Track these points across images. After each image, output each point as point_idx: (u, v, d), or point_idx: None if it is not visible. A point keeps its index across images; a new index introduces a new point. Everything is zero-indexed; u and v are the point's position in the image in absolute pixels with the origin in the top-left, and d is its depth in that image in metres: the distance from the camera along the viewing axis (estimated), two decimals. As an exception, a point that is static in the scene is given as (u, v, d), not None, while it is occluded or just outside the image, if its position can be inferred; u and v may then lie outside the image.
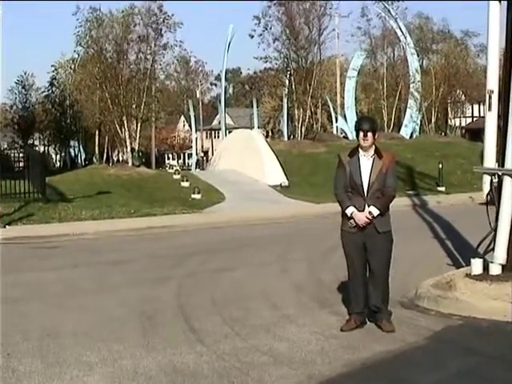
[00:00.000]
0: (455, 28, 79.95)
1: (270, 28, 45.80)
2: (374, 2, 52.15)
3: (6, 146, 75.08)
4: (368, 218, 7.85)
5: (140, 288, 11.28)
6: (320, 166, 34.98)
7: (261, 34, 45.76)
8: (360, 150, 7.99)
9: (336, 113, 56.75)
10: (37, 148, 67.65)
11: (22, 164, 30.95)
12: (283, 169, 34.80)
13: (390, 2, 51.64)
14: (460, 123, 67.04)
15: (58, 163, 77.09)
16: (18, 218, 22.27)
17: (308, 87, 45.74)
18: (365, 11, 52.39)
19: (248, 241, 17.95)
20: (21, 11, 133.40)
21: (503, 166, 9.92)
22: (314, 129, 49.97)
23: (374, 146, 7.98)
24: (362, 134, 7.93)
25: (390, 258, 8.08)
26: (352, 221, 7.91)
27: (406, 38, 50.96)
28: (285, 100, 52.79)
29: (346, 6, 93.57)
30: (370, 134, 7.90)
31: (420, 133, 53.44)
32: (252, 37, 46.17)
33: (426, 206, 25.35)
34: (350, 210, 7.92)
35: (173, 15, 46.55)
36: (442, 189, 32.28)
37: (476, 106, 71.69)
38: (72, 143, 70.55)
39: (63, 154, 74.94)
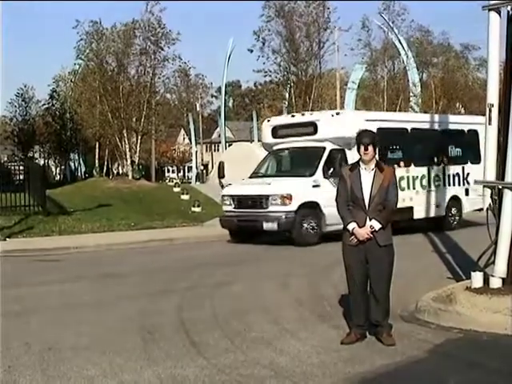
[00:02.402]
0: (455, 42, 79.94)
1: (270, 42, 45.93)
2: (376, 14, 52.35)
3: (6, 158, 75.11)
4: (368, 233, 7.86)
5: (141, 301, 11.27)
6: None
7: (261, 48, 45.88)
8: (361, 163, 8.02)
9: (336, 126, 56.74)
10: (37, 161, 67.61)
11: (22, 177, 30.93)
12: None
13: (393, 15, 51.83)
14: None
15: (58, 176, 77.12)
16: (19, 231, 22.30)
17: (308, 100, 45.85)
18: (366, 23, 52.55)
19: (249, 255, 17.95)
20: (21, 23, 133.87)
21: (503, 179, 9.93)
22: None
23: (374, 160, 8.00)
24: (362, 147, 7.96)
25: (392, 271, 8.07)
26: (353, 237, 7.92)
27: (406, 51, 51.07)
28: (285, 113, 52.90)
29: (347, 20, 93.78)
30: (370, 148, 7.92)
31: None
32: (251, 51, 46.30)
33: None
34: (351, 226, 7.93)
35: (170, 30, 46.80)
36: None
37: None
38: (72, 156, 70.61)
39: (63, 167, 75.00)
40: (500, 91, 10.35)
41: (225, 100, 57.25)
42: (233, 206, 20.69)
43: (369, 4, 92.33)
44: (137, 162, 49.15)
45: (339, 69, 52.10)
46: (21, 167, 35.46)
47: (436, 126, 23.26)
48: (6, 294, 11.77)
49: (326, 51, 47.54)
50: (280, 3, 46.20)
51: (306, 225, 19.49)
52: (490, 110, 10.19)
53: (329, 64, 49.59)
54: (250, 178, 21.78)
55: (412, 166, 21.71)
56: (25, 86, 70.51)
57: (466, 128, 24.28)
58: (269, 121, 23.41)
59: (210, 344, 8.22)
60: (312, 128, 20.87)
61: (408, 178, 21.42)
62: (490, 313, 8.76)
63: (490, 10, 10.11)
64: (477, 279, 9.92)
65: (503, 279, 9.75)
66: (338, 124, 20.45)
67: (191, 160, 79.24)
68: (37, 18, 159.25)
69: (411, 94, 51.72)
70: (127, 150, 47.00)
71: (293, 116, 23.43)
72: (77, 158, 71.48)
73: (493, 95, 10.26)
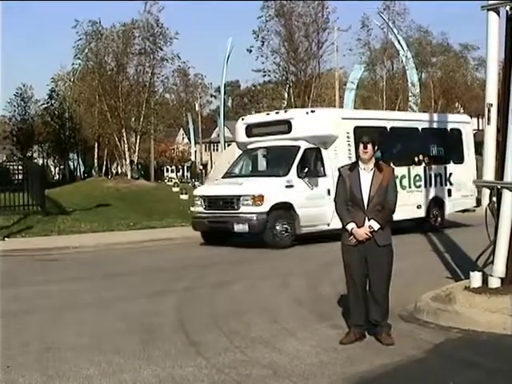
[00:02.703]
0: (454, 42, 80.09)
1: (269, 41, 45.87)
2: (376, 13, 52.33)
3: (4, 158, 75.12)
4: (367, 233, 7.85)
5: (139, 301, 11.27)
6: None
7: (260, 48, 45.82)
8: (360, 163, 8.01)
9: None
10: (36, 160, 67.61)
11: (21, 177, 30.94)
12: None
13: (393, 15, 51.81)
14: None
15: (57, 176, 77.17)
16: (17, 231, 22.30)
17: (307, 100, 45.76)
18: (366, 23, 52.53)
19: (247, 254, 17.94)
20: (20, 23, 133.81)
21: (502, 179, 9.93)
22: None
23: (373, 160, 7.99)
24: (361, 145, 7.95)
25: (391, 271, 8.07)
26: (352, 237, 7.91)
27: (405, 51, 51.05)
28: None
29: (347, 20, 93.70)
30: (369, 146, 7.91)
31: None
32: (250, 51, 46.22)
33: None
34: (350, 226, 7.92)
35: (167, 29, 46.79)
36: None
37: (475, 120, 71.72)
38: (71, 156, 70.63)
39: (62, 167, 75.05)
40: (499, 91, 10.35)
41: (224, 100, 57.18)
42: (203, 206, 20.10)
43: (369, 4, 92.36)
44: (136, 161, 49.17)
45: (338, 69, 52.07)
46: (20, 167, 35.45)
47: (417, 125, 22.71)
48: (5, 294, 11.77)
49: (325, 51, 47.49)
50: (279, 3, 46.16)
51: (278, 227, 18.94)
52: (489, 110, 10.19)
53: (328, 64, 49.54)
54: (223, 177, 21.27)
55: (391, 165, 21.12)
56: (24, 86, 70.57)
57: (448, 127, 23.81)
58: (243, 119, 22.62)
59: (208, 343, 8.22)
60: (286, 126, 20.19)
61: None
62: (488, 313, 8.76)
63: (488, 9, 10.10)
64: (476, 279, 9.92)
65: (502, 279, 9.74)
66: (313, 122, 19.95)
67: (190, 159, 79.28)
68: (36, 18, 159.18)
69: (410, 93, 51.69)
70: (126, 149, 47.01)
71: (267, 114, 22.62)
72: (76, 157, 71.53)
73: (492, 95, 10.26)
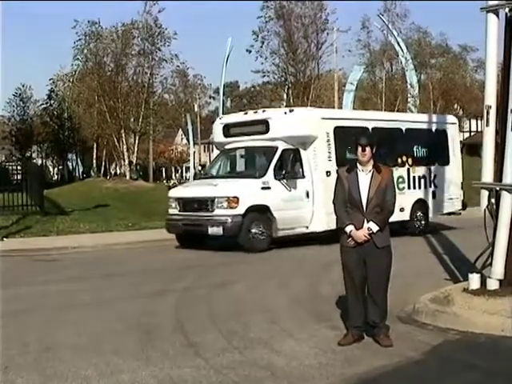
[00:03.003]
0: (453, 43, 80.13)
1: (268, 42, 45.93)
2: (375, 14, 52.40)
3: (3, 158, 75.05)
4: (366, 235, 7.85)
5: (138, 302, 11.27)
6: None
7: (258, 51, 45.91)
8: (358, 165, 7.99)
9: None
10: (34, 161, 67.55)
11: (19, 177, 30.94)
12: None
13: (393, 17, 51.90)
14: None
15: (56, 176, 77.12)
16: (16, 231, 22.27)
17: (306, 101, 45.78)
18: (366, 24, 52.59)
19: (246, 255, 17.91)
20: (20, 23, 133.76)
21: (501, 181, 9.93)
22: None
23: (372, 161, 7.98)
24: (360, 148, 7.93)
25: (389, 272, 8.07)
26: (351, 239, 7.91)
27: (404, 53, 51.06)
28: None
29: (347, 21, 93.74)
30: (368, 149, 7.90)
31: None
32: (250, 52, 46.29)
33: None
34: (348, 229, 7.91)
35: (166, 29, 46.79)
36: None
37: (474, 121, 71.89)
38: (70, 156, 70.61)
39: (61, 167, 75.02)
40: (498, 93, 10.35)
41: (223, 100, 57.16)
42: (178, 208, 19.58)
43: (369, 4, 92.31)
44: (134, 162, 49.15)
45: (337, 70, 52.10)
46: (19, 167, 35.45)
47: (401, 126, 22.26)
48: (4, 294, 11.75)
49: (325, 52, 47.56)
50: (279, 3, 46.22)
51: (254, 230, 18.32)
52: (488, 112, 10.19)
53: (327, 65, 49.59)
54: (199, 179, 20.64)
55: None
56: (23, 86, 70.48)
57: (433, 128, 23.32)
58: (221, 118, 22.18)
59: (207, 344, 8.21)
60: (264, 126, 19.54)
61: None
62: (486, 314, 8.76)
63: (488, 11, 10.10)
64: (474, 281, 9.93)
65: (500, 281, 9.74)
66: (292, 122, 19.33)
67: (189, 160, 79.23)
68: (36, 18, 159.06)
69: (409, 95, 51.71)
70: (125, 150, 46.98)
71: (246, 113, 21.90)
72: (74, 158, 71.54)
73: (491, 97, 10.25)
